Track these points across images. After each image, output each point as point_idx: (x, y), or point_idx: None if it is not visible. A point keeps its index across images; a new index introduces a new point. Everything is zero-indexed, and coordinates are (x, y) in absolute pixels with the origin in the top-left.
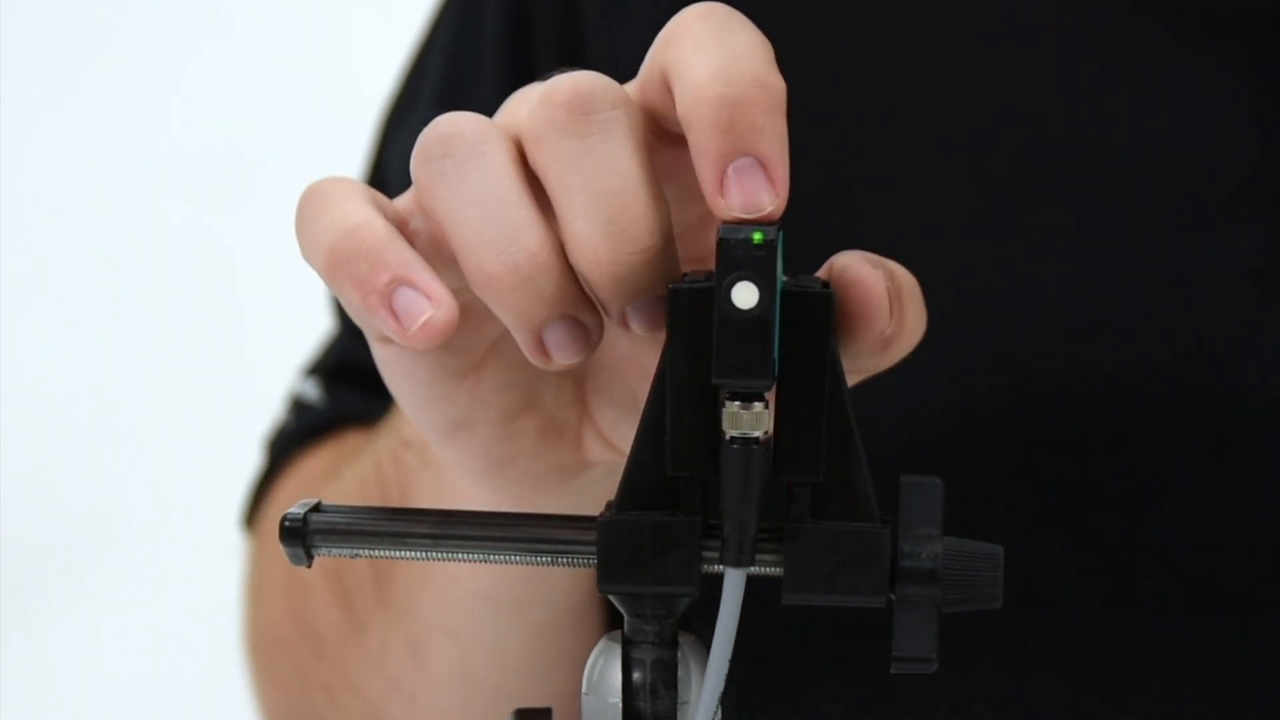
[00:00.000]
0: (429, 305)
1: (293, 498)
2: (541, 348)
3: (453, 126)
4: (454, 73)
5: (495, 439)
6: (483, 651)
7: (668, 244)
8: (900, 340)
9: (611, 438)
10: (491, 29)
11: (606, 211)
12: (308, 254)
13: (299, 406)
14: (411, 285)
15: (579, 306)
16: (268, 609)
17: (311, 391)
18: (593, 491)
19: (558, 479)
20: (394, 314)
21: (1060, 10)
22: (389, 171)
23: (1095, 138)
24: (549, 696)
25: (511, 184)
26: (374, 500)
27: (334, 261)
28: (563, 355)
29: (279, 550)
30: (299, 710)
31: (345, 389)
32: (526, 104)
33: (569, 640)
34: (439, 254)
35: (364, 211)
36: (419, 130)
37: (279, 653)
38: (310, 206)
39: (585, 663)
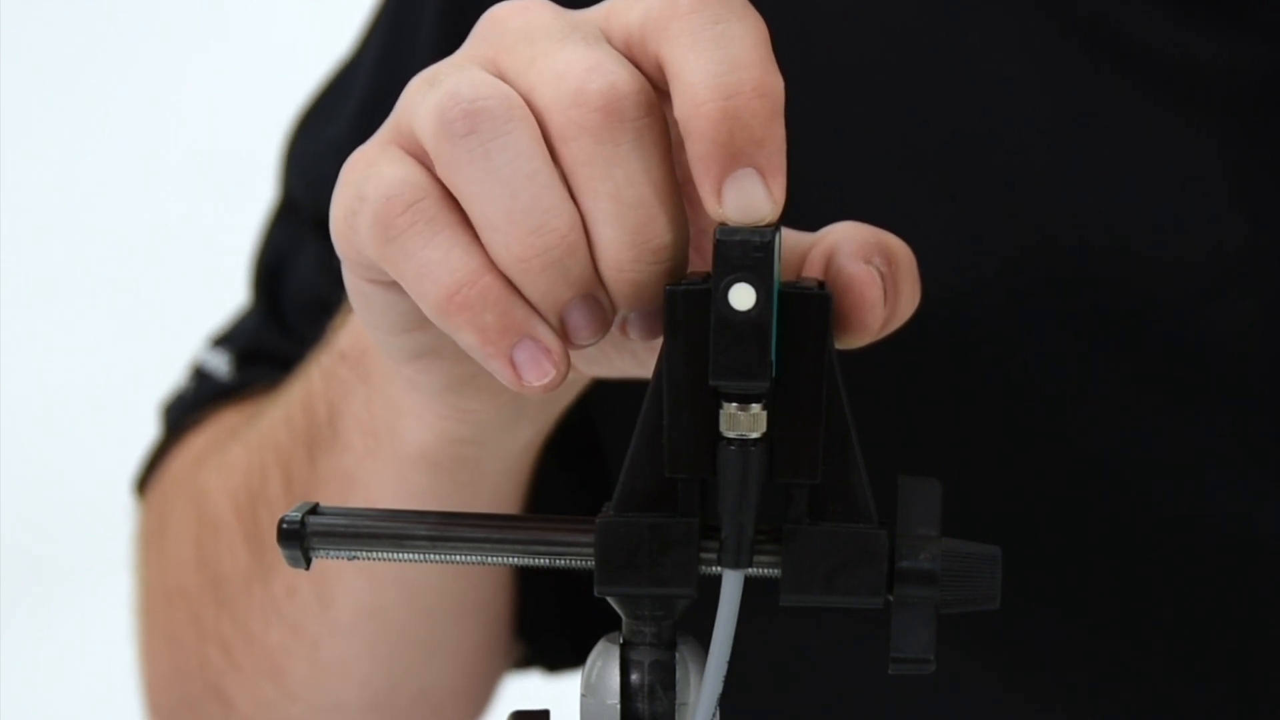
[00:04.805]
0: (550, 366)
1: (205, 449)
2: (561, 329)
3: (477, 102)
4: (383, 83)
5: (459, 359)
6: (393, 588)
7: (685, 255)
8: (891, 324)
9: (572, 357)
10: (426, 41)
11: (634, 221)
12: (411, 285)
13: (201, 376)
14: (534, 339)
15: (599, 285)
16: (169, 562)
17: (219, 365)
18: (532, 410)
19: (511, 394)
20: (512, 364)
21: (1040, 73)
22: (297, 165)
23: (1077, 211)
24: (460, 648)
25: (540, 163)
26: (300, 426)
27: (454, 305)
28: (581, 336)
29: (190, 497)
30: (188, 673)
31: (255, 369)
32: (549, 80)
33: (486, 585)
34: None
35: (471, 247)
36: (337, 139)
37: (177, 606)
38: (407, 231)
39: (503, 611)
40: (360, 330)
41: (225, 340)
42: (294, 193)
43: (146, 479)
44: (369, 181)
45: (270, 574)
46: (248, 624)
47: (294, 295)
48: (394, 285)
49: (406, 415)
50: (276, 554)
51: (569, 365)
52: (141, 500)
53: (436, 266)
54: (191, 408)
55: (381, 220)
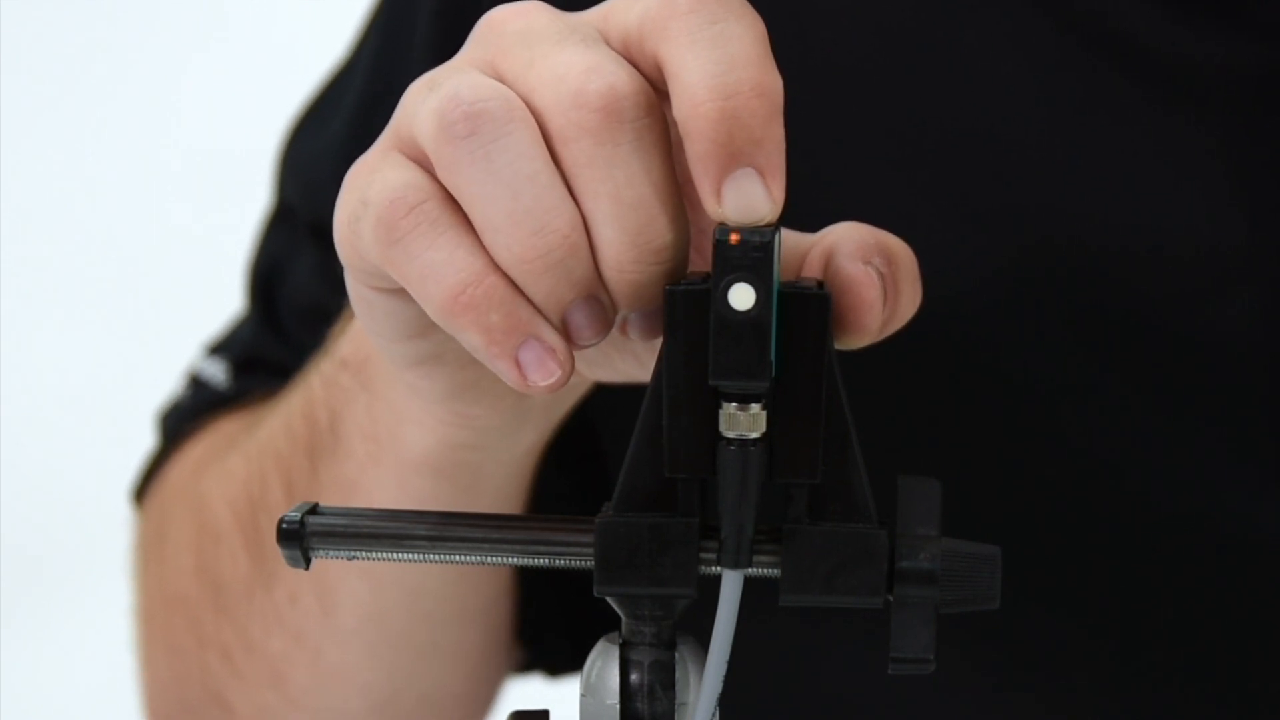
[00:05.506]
0: (556, 366)
1: (204, 458)
2: (563, 330)
3: (477, 104)
4: (379, 86)
5: (461, 365)
6: (395, 592)
7: (686, 255)
8: (892, 324)
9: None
10: (421, 44)
11: (635, 222)
12: (416, 287)
13: (198, 384)
14: (539, 339)
15: (601, 286)
16: (169, 570)
17: (215, 373)
18: (535, 414)
19: (514, 399)
20: (518, 364)
21: (1038, 72)
22: (292, 170)
23: (1076, 210)
24: (461, 653)
25: (541, 164)
26: (301, 433)
27: (459, 305)
28: (584, 336)
29: (189, 505)
30: (189, 680)
31: (252, 376)
32: (548, 81)
33: (488, 589)
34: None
35: (475, 248)
36: (332, 144)
37: (176, 613)
38: (411, 233)
39: (504, 615)
40: (361, 336)
41: (221, 348)
42: (289, 198)
43: (144, 488)
44: (372, 187)
45: (272, 581)
46: (248, 631)
47: (290, 302)
48: (397, 292)
49: (408, 421)
50: (278, 561)
51: (573, 365)
52: (139, 509)
53: (441, 267)
54: (189, 416)
55: (385, 223)
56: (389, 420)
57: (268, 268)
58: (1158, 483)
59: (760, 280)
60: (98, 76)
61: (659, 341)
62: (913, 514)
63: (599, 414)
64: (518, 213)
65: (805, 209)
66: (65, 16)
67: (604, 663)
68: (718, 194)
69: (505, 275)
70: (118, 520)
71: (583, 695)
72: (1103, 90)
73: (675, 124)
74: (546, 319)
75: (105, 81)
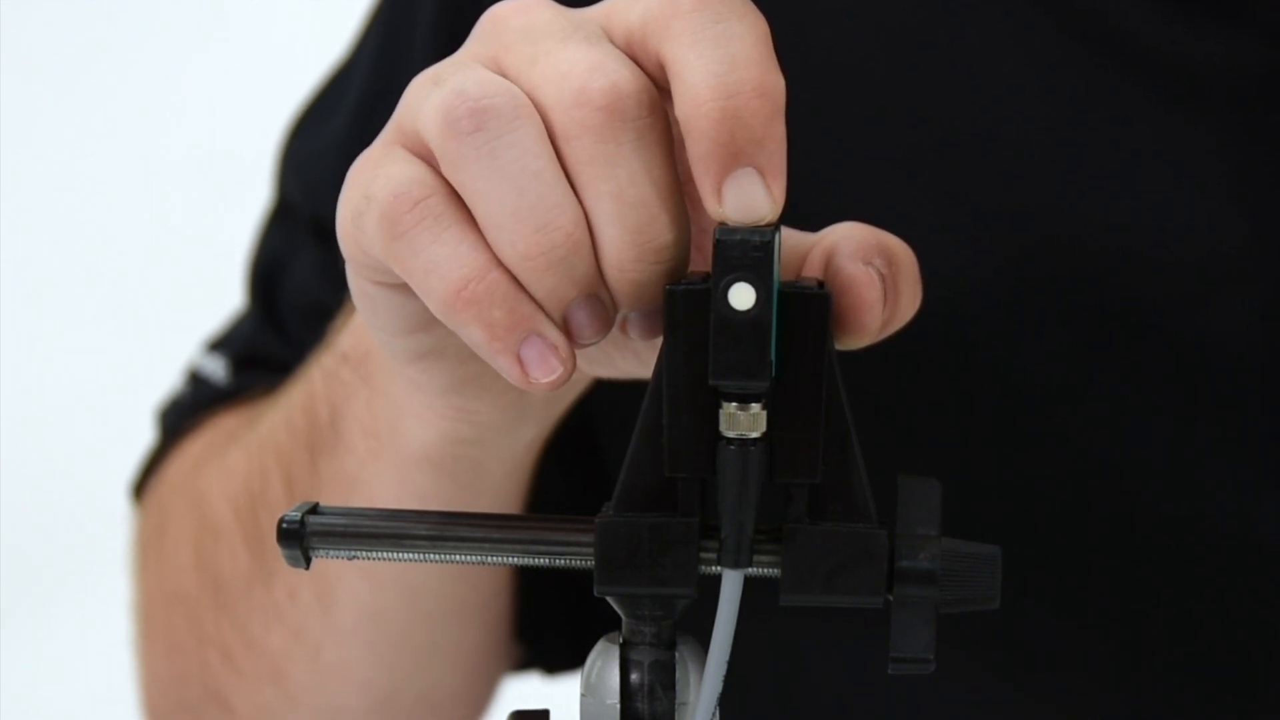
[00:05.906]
0: (558, 363)
1: (204, 454)
2: (564, 328)
3: (483, 100)
4: (380, 84)
5: (462, 360)
6: (395, 589)
7: (687, 255)
8: (892, 325)
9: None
10: (423, 40)
11: (636, 221)
12: (419, 282)
13: (198, 380)
14: (541, 336)
15: (602, 284)
16: (168, 567)
17: (215, 370)
18: (535, 410)
19: (514, 394)
20: (520, 361)
21: (1039, 71)
22: (293, 167)
23: (1076, 210)
24: (460, 651)
25: (546, 161)
26: (301, 428)
27: (462, 300)
28: (585, 335)
29: (189, 501)
30: (188, 678)
31: (251, 373)
32: (551, 79)
33: (487, 587)
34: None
35: (479, 244)
36: (334, 141)
37: (176, 611)
38: (415, 228)
39: (503, 614)
40: (362, 331)
41: (221, 344)
42: (290, 195)
43: (143, 484)
44: (375, 181)
45: (271, 577)
46: (248, 628)
47: (291, 299)
48: (399, 287)
49: (409, 416)
50: (278, 557)
51: (575, 363)
52: (139, 505)
53: (444, 263)
54: (188, 413)
55: (389, 218)
56: (389, 415)
57: (268, 265)
58: (1158, 483)
59: (760, 280)
60: (98, 76)
61: (659, 340)
62: (913, 514)
63: (598, 409)
64: (522, 209)
65: (805, 209)
66: (65, 16)
67: (604, 663)
68: (718, 193)
69: (508, 271)
70: (117, 519)
71: (583, 695)
72: (1103, 90)
73: (677, 122)
74: (548, 316)
75: (105, 81)
